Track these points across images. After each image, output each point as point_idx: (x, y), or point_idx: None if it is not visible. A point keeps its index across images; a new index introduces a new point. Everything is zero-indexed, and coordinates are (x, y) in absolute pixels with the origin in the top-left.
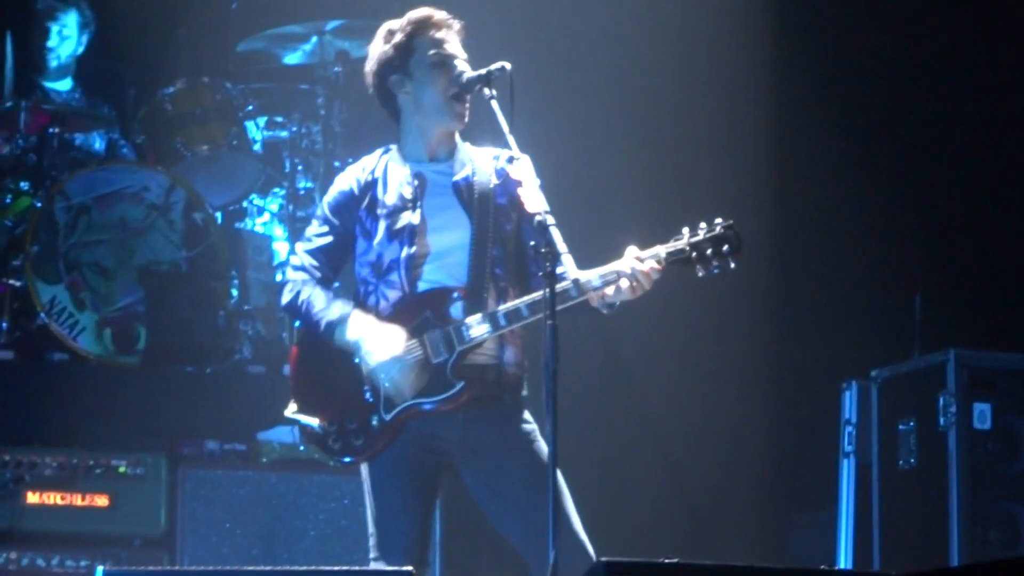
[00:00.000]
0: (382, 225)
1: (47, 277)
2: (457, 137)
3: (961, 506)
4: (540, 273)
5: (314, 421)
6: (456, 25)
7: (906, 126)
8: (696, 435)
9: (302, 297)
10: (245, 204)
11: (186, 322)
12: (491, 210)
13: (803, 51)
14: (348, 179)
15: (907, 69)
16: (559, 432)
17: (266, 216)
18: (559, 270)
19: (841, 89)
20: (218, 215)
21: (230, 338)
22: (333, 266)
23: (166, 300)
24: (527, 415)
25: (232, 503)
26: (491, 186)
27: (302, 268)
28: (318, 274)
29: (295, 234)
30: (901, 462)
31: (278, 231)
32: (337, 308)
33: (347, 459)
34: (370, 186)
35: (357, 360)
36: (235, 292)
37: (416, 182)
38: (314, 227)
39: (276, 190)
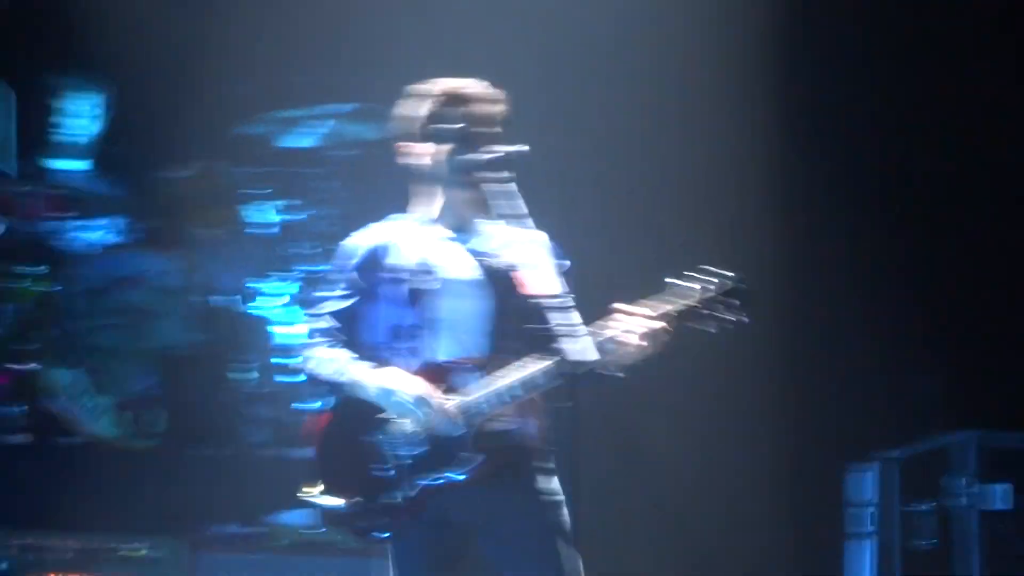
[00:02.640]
0: (400, 289)
1: (66, 361)
2: (485, 213)
3: None
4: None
5: (337, 501)
6: (487, 97)
7: (925, 198)
8: (700, 506)
9: (315, 360)
10: (262, 287)
11: (204, 406)
12: (511, 284)
13: (811, 123)
14: (363, 240)
15: (925, 139)
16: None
17: (284, 299)
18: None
19: (853, 156)
20: (236, 298)
21: (247, 421)
22: (352, 331)
23: (184, 384)
24: (553, 484)
25: None
26: (512, 260)
27: (315, 333)
28: (341, 336)
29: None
30: (923, 543)
31: (289, 315)
32: (358, 365)
33: (376, 535)
34: (386, 250)
35: (379, 435)
36: (253, 375)
37: (439, 249)
38: (328, 291)
39: (293, 273)
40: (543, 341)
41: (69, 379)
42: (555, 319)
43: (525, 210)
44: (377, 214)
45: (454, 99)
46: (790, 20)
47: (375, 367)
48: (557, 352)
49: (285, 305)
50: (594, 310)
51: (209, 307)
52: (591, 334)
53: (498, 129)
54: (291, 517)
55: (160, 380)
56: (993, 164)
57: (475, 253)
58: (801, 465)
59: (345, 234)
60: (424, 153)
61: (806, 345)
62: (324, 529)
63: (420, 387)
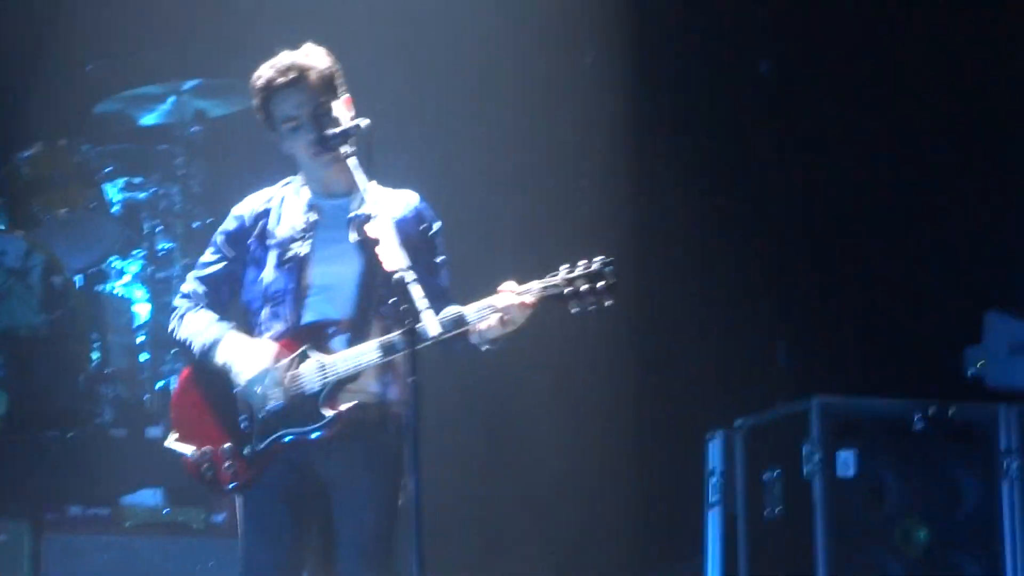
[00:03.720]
0: (272, 255)
1: None
2: (359, 174)
3: (827, 554)
4: (400, 332)
5: (188, 449)
6: (304, 73)
7: (767, 171)
8: (561, 482)
9: (182, 323)
10: (104, 267)
11: (47, 387)
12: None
13: (664, 99)
14: (243, 208)
15: (768, 115)
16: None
17: (126, 278)
18: (420, 326)
19: (701, 139)
20: (77, 278)
21: (91, 402)
22: (221, 294)
23: (26, 365)
24: (397, 443)
25: (96, 568)
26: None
27: (189, 295)
28: (204, 300)
29: (156, 295)
30: (767, 511)
31: (138, 293)
32: (212, 331)
33: (218, 487)
34: (263, 216)
35: (233, 389)
36: (96, 355)
37: (310, 214)
38: (206, 255)
39: (135, 252)
40: (392, 314)
41: None
42: (398, 293)
43: (365, 184)
44: (226, 191)
45: (266, 91)
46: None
47: (230, 330)
48: (407, 327)
49: (128, 284)
50: (463, 290)
51: (51, 287)
52: (434, 308)
53: (323, 99)
54: (137, 498)
55: (2, 362)
56: (825, 142)
57: (347, 218)
58: (665, 436)
59: (190, 213)
60: (274, 138)
61: (663, 323)
62: (168, 510)
63: (261, 359)
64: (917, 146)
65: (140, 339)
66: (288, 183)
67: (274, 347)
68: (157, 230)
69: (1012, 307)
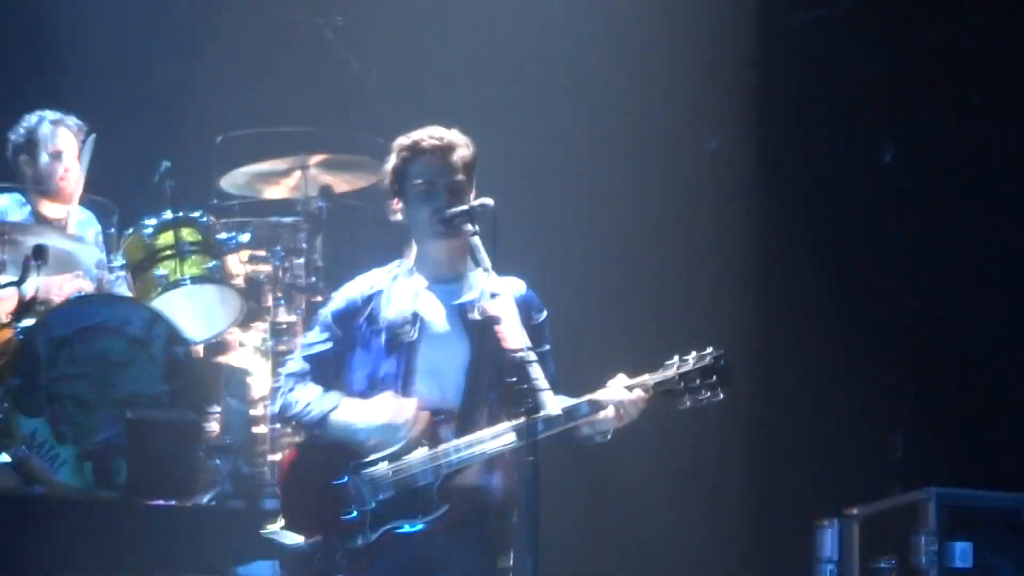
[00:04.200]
0: (380, 339)
1: (27, 410)
2: (471, 261)
3: None
4: (520, 410)
5: (299, 538)
6: (451, 146)
7: (889, 260)
8: (668, 567)
9: (292, 396)
10: (226, 338)
11: (166, 456)
12: (492, 335)
13: (787, 194)
14: (352, 289)
15: (888, 211)
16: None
17: (248, 350)
18: (541, 410)
19: (823, 225)
20: (199, 349)
21: (210, 472)
22: (327, 374)
23: (147, 434)
24: (508, 541)
25: None
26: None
27: (294, 374)
28: (308, 376)
29: (275, 368)
30: None
31: (258, 365)
32: (330, 398)
33: None
34: (373, 298)
35: (347, 476)
36: (215, 427)
37: (420, 298)
38: (312, 335)
39: (258, 324)
40: (510, 393)
41: (31, 428)
42: (519, 373)
43: (488, 263)
44: (348, 267)
45: (410, 151)
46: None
47: (348, 400)
48: (527, 408)
49: (249, 357)
50: (574, 379)
51: (173, 357)
52: (552, 391)
53: (460, 177)
54: (252, 570)
55: (123, 430)
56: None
57: (454, 304)
58: (774, 523)
59: (313, 287)
60: (396, 208)
61: (777, 406)
62: None
63: (385, 411)
64: None
65: (258, 411)
66: (399, 265)
67: (392, 398)
68: (279, 303)
69: None
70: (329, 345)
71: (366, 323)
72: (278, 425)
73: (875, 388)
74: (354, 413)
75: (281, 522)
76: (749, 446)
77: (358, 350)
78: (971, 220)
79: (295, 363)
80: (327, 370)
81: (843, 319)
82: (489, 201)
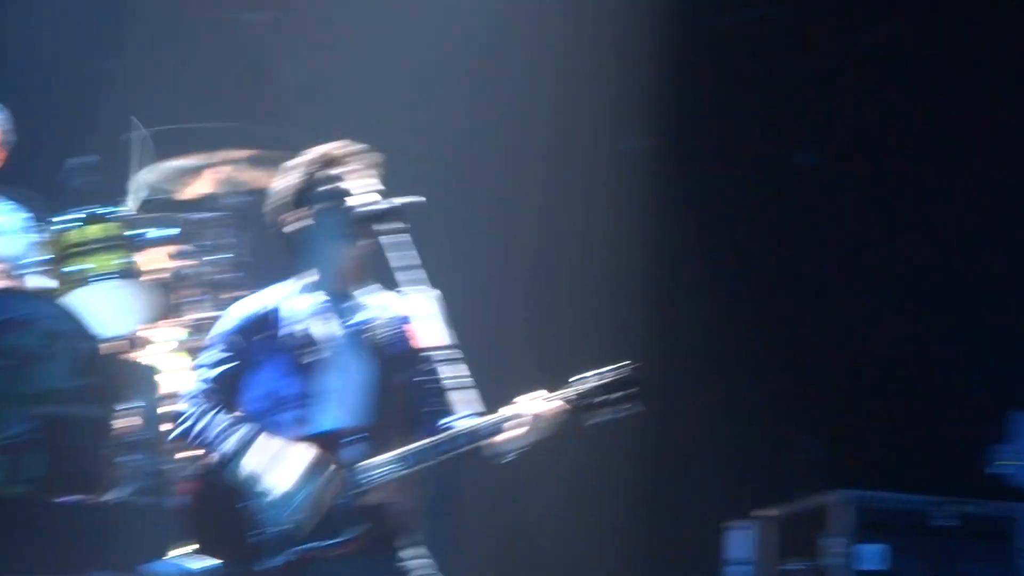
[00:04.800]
0: (281, 357)
1: None
2: (367, 277)
3: None
4: (432, 410)
5: (213, 562)
6: (358, 157)
7: (795, 266)
8: (580, 568)
9: (196, 428)
10: (142, 334)
11: (75, 453)
12: (393, 357)
13: (698, 197)
14: (249, 305)
15: (798, 214)
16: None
17: (164, 346)
18: (454, 415)
19: (733, 229)
20: (113, 345)
21: (119, 469)
22: (229, 395)
23: (58, 430)
24: (422, 552)
25: None
26: (395, 331)
27: (196, 397)
28: (213, 402)
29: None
30: None
31: (175, 362)
32: (233, 440)
33: None
34: (271, 315)
35: (252, 499)
36: (122, 423)
37: (321, 317)
38: (211, 354)
39: (167, 320)
40: (432, 394)
41: None
42: (444, 372)
43: (419, 261)
44: (269, 263)
45: (321, 162)
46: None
47: (254, 436)
48: (445, 412)
49: (165, 354)
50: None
51: (86, 353)
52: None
53: (373, 182)
54: (160, 566)
55: (34, 426)
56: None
57: (357, 321)
58: (684, 524)
59: (236, 283)
60: (300, 218)
61: (686, 411)
62: None
63: (296, 468)
64: (946, 246)
65: (165, 409)
66: (296, 282)
67: (313, 451)
68: (191, 300)
69: None
70: (229, 365)
71: (265, 341)
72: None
73: (785, 392)
74: (262, 459)
75: (192, 547)
76: (657, 451)
77: (255, 369)
78: (876, 225)
79: (196, 385)
80: (227, 390)
81: (754, 324)
82: (421, 199)
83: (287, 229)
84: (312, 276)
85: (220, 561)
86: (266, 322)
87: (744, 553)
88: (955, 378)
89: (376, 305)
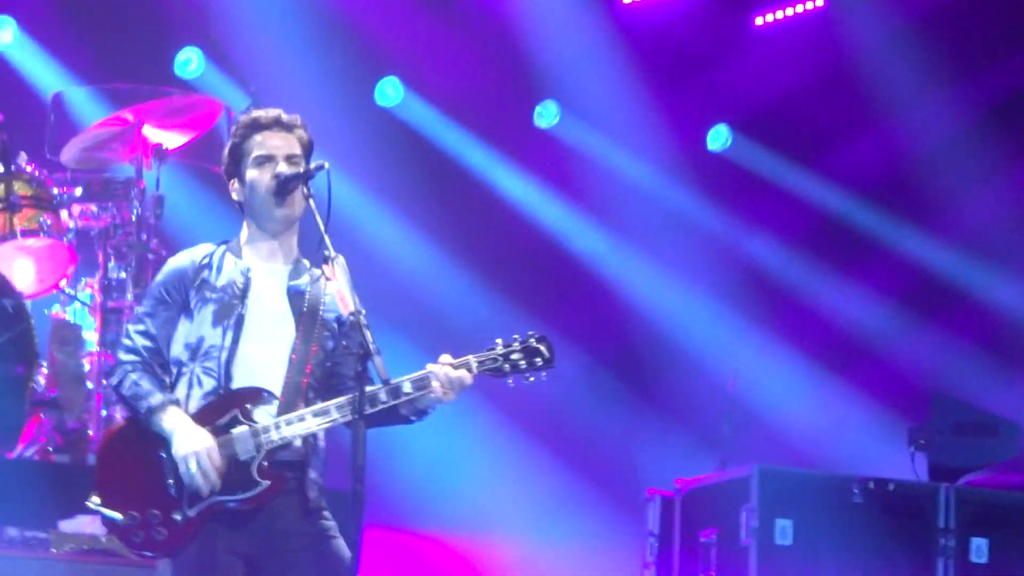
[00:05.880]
0: (209, 309)
1: None
2: (292, 242)
3: None
4: (344, 373)
5: (117, 514)
6: (290, 124)
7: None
8: (499, 539)
9: (128, 380)
10: (56, 292)
11: None
12: (318, 321)
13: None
14: (183, 259)
15: None
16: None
17: (77, 305)
18: (364, 378)
19: None
20: (28, 302)
21: (36, 426)
22: (163, 348)
23: None
24: (327, 513)
25: None
26: (323, 299)
27: (132, 350)
28: (147, 355)
29: (106, 324)
30: (705, 574)
31: (89, 320)
32: (159, 396)
33: (148, 553)
34: (204, 268)
35: (163, 454)
36: (42, 380)
37: (250, 277)
38: (146, 306)
39: (88, 279)
40: (344, 358)
41: None
42: (354, 337)
43: (323, 228)
44: (187, 226)
45: (249, 127)
46: None
47: (176, 409)
48: (356, 376)
49: (79, 311)
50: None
51: (3, 309)
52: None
53: (298, 151)
54: (76, 524)
55: None
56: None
57: (287, 285)
58: (605, 497)
59: (145, 244)
60: (235, 187)
61: (605, 382)
62: (107, 537)
63: (202, 439)
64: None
65: (88, 367)
66: (227, 243)
67: (211, 438)
68: (111, 259)
69: (957, 389)
70: (164, 317)
71: (195, 292)
72: (104, 382)
73: (705, 364)
74: (174, 424)
75: (98, 501)
76: (580, 420)
77: (184, 319)
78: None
79: (131, 339)
80: (165, 342)
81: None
82: (325, 164)
83: (232, 192)
84: (250, 238)
85: (133, 515)
86: (198, 272)
87: (660, 525)
88: (880, 357)
89: (299, 270)
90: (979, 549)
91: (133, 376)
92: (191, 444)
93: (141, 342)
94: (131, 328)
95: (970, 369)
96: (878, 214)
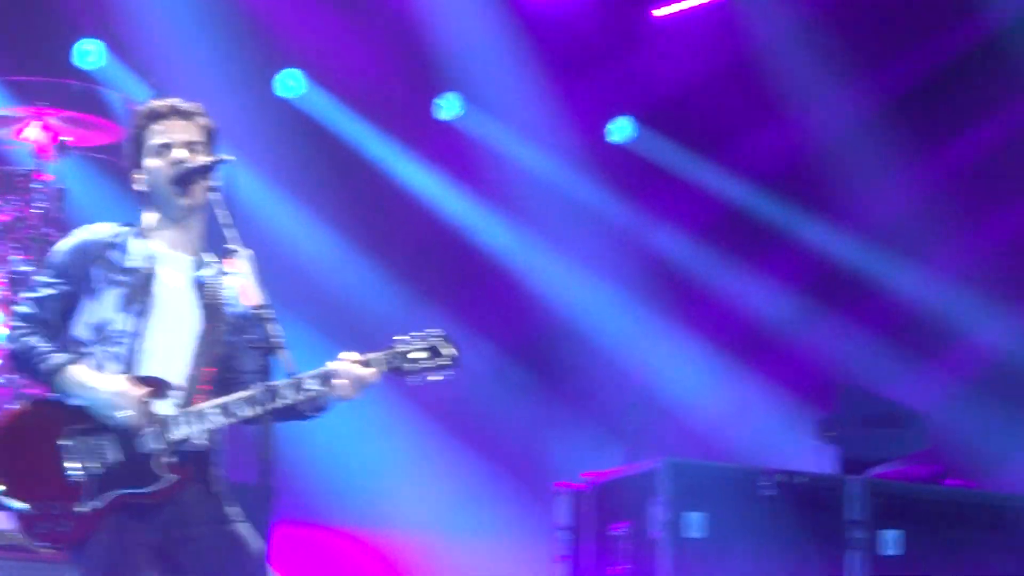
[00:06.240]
0: (115, 291)
1: None
2: (199, 233)
3: None
4: (249, 368)
5: (21, 504)
6: (189, 112)
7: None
8: (408, 533)
9: (23, 344)
10: None
11: None
12: (221, 314)
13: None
14: (89, 232)
15: None
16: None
17: None
18: (269, 372)
19: None
20: None
21: None
22: (60, 319)
23: None
24: (232, 501)
25: None
26: (226, 292)
27: (26, 318)
28: (42, 324)
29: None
30: (613, 568)
31: None
32: (63, 355)
33: (53, 545)
34: (108, 247)
35: (63, 441)
36: None
37: (156, 264)
38: (43, 278)
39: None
40: (249, 352)
41: None
42: (260, 331)
43: (231, 220)
44: (83, 217)
45: (148, 117)
46: None
47: (81, 365)
48: (262, 370)
49: None
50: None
51: None
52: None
53: (198, 139)
54: None
55: None
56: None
57: (190, 275)
58: (511, 490)
59: (50, 236)
60: (137, 172)
61: (511, 374)
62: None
63: (131, 392)
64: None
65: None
66: (134, 227)
67: (126, 382)
68: (14, 252)
69: (865, 380)
70: (59, 289)
71: (102, 270)
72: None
73: (611, 357)
74: (89, 375)
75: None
76: (488, 413)
77: (88, 298)
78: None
79: (25, 307)
80: (60, 316)
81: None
82: (228, 157)
83: (134, 182)
84: (151, 223)
85: (33, 502)
86: (105, 250)
87: (570, 518)
88: (788, 347)
89: (206, 263)
90: (889, 541)
91: (31, 340)
92: (114, 385)
93: (35, 310)
94: (27, 296)
95: (875, 359)
96: (782, 205)
